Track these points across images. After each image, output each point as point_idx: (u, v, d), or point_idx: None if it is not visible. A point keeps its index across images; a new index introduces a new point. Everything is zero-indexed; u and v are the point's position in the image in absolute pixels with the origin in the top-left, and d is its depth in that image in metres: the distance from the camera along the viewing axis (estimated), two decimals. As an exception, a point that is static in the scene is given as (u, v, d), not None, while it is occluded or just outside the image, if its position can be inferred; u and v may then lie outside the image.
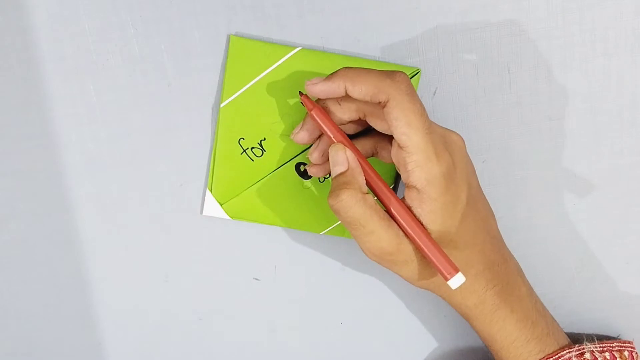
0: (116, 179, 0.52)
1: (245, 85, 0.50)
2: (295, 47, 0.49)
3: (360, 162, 0.45)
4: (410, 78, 0.49)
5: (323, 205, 0.52)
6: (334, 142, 0.45)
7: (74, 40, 0.50)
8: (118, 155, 0.52)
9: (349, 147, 0.45)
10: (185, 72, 0.51)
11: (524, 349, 0.48)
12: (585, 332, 0.55)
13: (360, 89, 0.43)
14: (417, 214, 0.44)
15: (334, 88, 0.44)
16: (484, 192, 0.49)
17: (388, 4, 0.50)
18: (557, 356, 0.48)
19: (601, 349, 0.49)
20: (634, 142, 0.53)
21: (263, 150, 0.51)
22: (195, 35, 0.50)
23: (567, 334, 0.51)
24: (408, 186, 0.44)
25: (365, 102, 0.44)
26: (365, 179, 0.44)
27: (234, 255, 0.54)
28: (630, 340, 0.51)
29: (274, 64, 0.50)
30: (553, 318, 0.50)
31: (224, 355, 0.56)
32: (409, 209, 0.44)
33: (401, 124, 0.42)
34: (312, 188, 0.52)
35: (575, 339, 0.50)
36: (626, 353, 0.49)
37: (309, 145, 0.50)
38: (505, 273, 0.48)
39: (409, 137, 0.42)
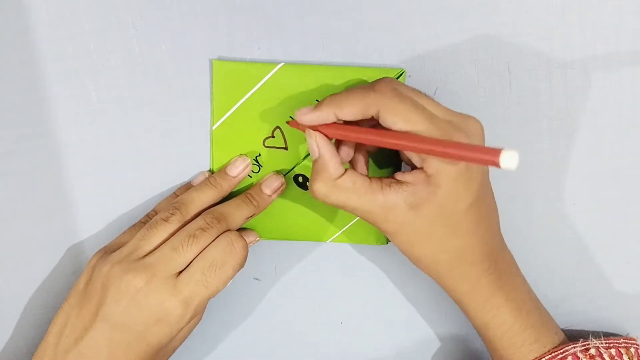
0: (116, 179, 0.52)
1: (234, 106, 0.51)
2: (278, 64, 0.50)
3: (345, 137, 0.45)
4: None
5: (326, 214, 0.53)
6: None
7: (74, 40, 0.50)
8: (118, 155, 0.52)
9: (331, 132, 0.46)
10: (185, 72, 0.51)
11: (519, 337, 0.48)
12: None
13: (350, 112, 0.44)
14: (419, 195, 0.44)
15: (323, 117, 0.45)
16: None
17: (388, 4, 0.50)
18: (561, 351, 0.48)
19: (607, 345, 0.49)
20: (634, 142, 0.53)
21: (260, 165, 0.52)
22: (195, 36, 0.50)
23: (572, 331, 0.51)
24: (419, 170, 0.44)
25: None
26: (374, 139, 0.44)
27: (234, 255, 0.54)
28: (635, 337, 0.51)
29: (259, 82, 0.50)
30: (546, 310, 0.51)
31: (223, 355, 0.56)
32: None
33: (400, 124, 0.43)
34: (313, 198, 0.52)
35: (581, 335, 0.50)
36: (632, 350, 0.49)
37: (304, 156, 0.51)
38: (502, 263, 0.48)
39: (412, 132, 0.43)
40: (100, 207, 0.53)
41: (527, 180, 0.53)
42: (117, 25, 0.50)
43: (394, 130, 0.43)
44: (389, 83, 0.44)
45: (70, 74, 0.50)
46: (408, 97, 0.43)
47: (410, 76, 0.51)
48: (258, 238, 0.52)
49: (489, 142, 0.52)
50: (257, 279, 0.55)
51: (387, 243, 0.54)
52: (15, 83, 0.50)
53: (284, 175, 0.52)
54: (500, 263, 0.48)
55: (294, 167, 0.52)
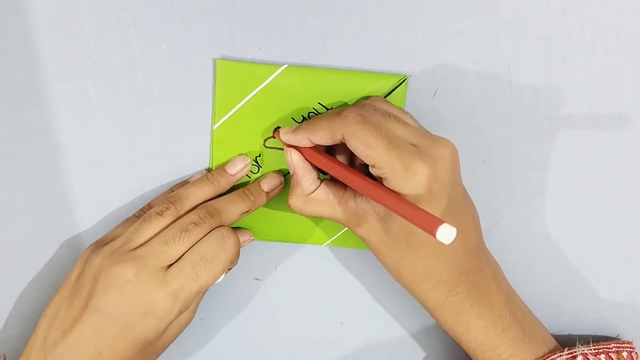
0: (116, 179, 0.52)
1: (235, 106, 0.51)
2: (282, 65, 0.50)
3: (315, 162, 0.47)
4: (397, 86, 0.50)
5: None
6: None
7: (74, 40, 0.50)
8: (118, 155, 0.52)
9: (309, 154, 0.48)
10: (185, 72, 0.51)
11: (493, 352, 0.48)
12: (585, 333, 0.55)
13: (320, 137, 0.46)
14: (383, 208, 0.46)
15: (298, 140, 0.48)
16: (472, 200, 0.49)
17: (388, 4, 0.50)
18: None
19: (595, 351, 0.49)
20: (634, 142, 0.53)
21: (259, 166, 0.52)
22: (196, 36, 0.50)
23: (563, 336, 0.50)
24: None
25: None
26: (337, 173, 0.46)
27: (234, 255, 0.54)
28: (630, 340, 0.51)
29: (262, 83, 0.50)
30: (537, 322, 0.50)
31: (224, 355, 0.56)
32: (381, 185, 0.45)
33: (361, 149, 0.44)
34: None
35: (571, 342, 0.50)
36: (624, 354, 0.49)
37: None
38: (475, 282, 0.48)
39: (372, 155, 0.44)
40: (100, 207, 0.53)
41: (527, 180, 0.53)
42: (117, 25, 0.50)
43: (350, 170, 0.46)
44: (356, 109, 0.45)
45: (70, 74, 0.50)
46: (372, 122, 0.44)
47: (410, 76, 0.51)
48: (252, 238, 0.52)
49: (490, 144, 0.53)
50: (257, 279, 0.55)
51: None
52: (15, 83, 0.50)
53: (284, 177, 0.52)
54: (473, 282, 0.48)
55: None
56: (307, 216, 0.50)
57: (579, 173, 0.53)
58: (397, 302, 0.55)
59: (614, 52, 0.51)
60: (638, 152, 0.53)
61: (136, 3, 0.50)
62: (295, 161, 0.48)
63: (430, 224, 0.39)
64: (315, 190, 0.48)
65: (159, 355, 0.49)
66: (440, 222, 0.39)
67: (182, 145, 0.52)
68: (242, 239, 0.51)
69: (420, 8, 0.50)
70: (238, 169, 0.51)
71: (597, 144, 0.53)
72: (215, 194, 0.50)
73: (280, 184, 0.51)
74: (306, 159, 0.48)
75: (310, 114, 0.51)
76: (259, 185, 0.51)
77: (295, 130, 0.48)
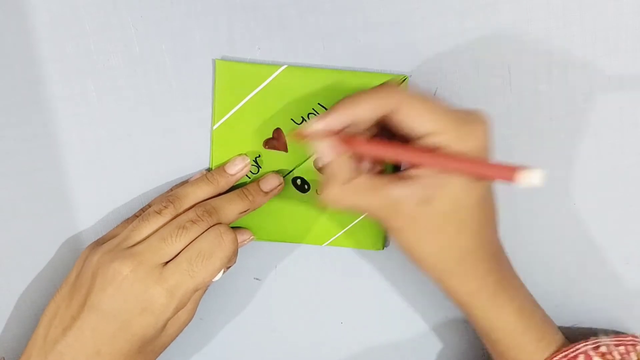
0: (116, 179, 0.52)
1: (235, 107, 0.51)
2: (281, 65, 0.50)
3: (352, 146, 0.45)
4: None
5: (322, 218, 0.53)
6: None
7: (74, 40, 0.50)
8: (118, 155, 0.52)
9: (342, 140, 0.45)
10: (185, 72, 0.51)
11: (523, 337, 0.48)
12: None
13: (363, 110, 0.44)
14: (430, 188, 0.44)
15: (338, 119, 0.44)
16: None
17: (389, 4, 0.50)
18: (573, 349, 0.48)
19: (617, 342, 0.49)
20: (634, 142, 0.53)
21: (259, 167, 0.52)
22: (196, 36, 0.50)
23: (580, 329, 0.51)
24: None
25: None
26: (383, 150, 0.45)
27: (234, 255, 0.54)
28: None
29: (262, 83, 0.50)
30: (544, 311, 0.51)
31: (224, 355, 0.56)
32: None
33: (424, 115, 0.43)
34: (311, 201, 0.52)
35: (590, 334, 0.50)
36: (639, 347, 0.50)
37: (304, 160, 0.52)
38: (504, 263, 0.48)
39: (433, 120, 0.43)
40: (100, 207, 0.53)
41: (527, 180, 0.53)
42: (117, 25, 0.50)
43: (412, 145, 0.44)
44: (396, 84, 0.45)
45: (70, 74, 0.50)
46: (424, 95, 0.44)
47: (410, 76, 0.51)
48: (252, 237, 0.52)
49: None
50: (257, 279, 0.55)
51: (383, 248, 0.54)
52: (15, 83, 0.50)
53: (283, 177, 0.52)
54: (502, 263, 0.48)
55: (293, 170, 0.52)
56: (341, 210, 0.46)
57: (579, 173, 0.53)
58: (397, 302, 0.55)
59: (614, 52, 0.51)
60: (638, 152, 0.53)
61: (136, 3, 0.50)
62: (330, 148, 0.45)
63: (512, 172, 0.38)
64: (353, 179, 0.45)
65: (159, 354, 0.49)
66: (524, 167, 0.38)
67: (182, 145, 0.52)
68: (241, 238, 0.51)
69: (421, 8, 0.50)
70: (238, 169, 0.51)
71: (597, 144, 0.53)
72: (215, 194, 0.50)
73: (280, 185, 0.51)
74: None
75: (310, 114, 0.51)
76: (258, 185, 0.51)
77: (332, 110, 0.44)
